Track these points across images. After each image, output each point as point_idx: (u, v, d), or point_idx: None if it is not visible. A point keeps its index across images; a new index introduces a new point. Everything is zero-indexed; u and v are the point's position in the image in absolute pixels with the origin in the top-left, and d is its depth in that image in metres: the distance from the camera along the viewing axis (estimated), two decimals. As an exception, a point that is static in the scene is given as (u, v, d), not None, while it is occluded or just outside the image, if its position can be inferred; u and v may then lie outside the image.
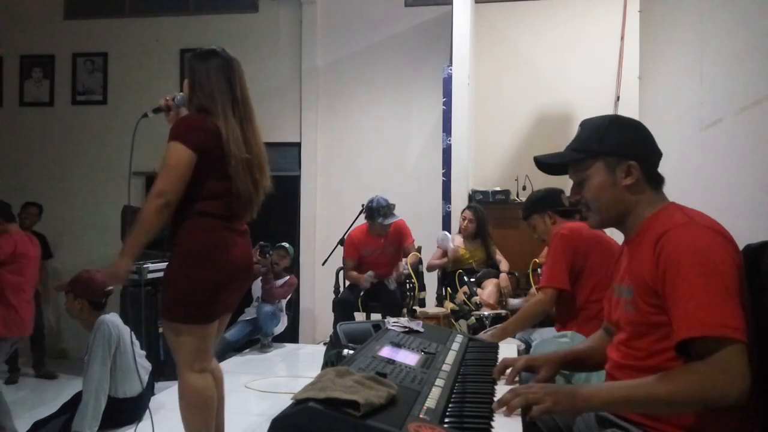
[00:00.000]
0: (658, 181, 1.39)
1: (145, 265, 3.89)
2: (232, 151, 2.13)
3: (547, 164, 1.48)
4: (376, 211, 4.34)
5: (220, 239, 2.15)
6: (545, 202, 2.76)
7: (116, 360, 2.90)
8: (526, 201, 2.90)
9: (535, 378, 1.55)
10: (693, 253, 1.19)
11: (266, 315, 4.61)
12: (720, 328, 1.12)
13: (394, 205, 4.42)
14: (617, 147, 1.36)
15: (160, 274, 3.59)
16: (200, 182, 2.12)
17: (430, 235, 4.83)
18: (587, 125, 1.44)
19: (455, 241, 4.38)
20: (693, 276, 1.17)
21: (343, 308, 4.36)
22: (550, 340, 2.24)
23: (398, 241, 4.51)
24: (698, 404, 1.14)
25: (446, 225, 4.92)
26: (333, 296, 4.64)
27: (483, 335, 2.19)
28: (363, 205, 4.52)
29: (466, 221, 4.43)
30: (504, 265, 4.34)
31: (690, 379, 1.13)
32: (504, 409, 1.15)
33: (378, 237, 4.50)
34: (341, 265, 4.70)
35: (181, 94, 2.38)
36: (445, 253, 4.47)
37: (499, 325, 2.45)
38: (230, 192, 2.15)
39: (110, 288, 2.01)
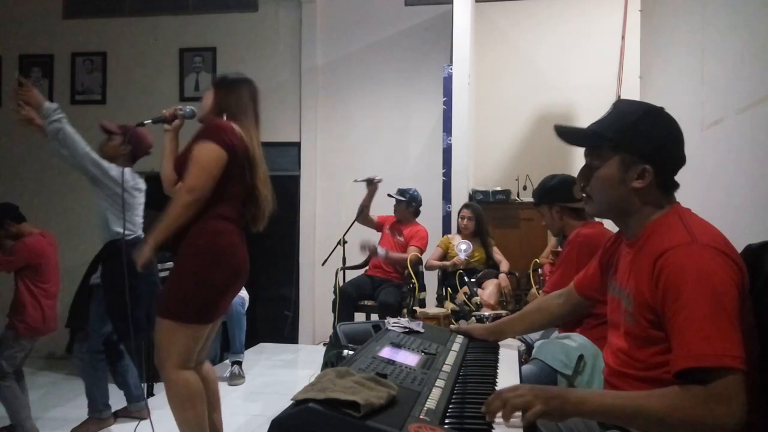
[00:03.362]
0: (670, 186, 1.33)
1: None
2: (260, 160, 2.29)
3: (565, 135, 1.42)
4: (401, 190, 4.60)
5: (233, 243, 2.23)
6: (555, 194, 2.61)
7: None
8: (539, 186, 2.73)
9: (464, 328, 1.72)
10: (693, 276, 1.16)
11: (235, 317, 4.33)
12: (719, 359, 1.09)
13: (413, 200, 4.60)
14: (640, 147, 1.29)
15: (164, 273, 3.61)
16: (222, 185, 2.20)
17: (431, 235, 4.83)
18: (620, 109, 1.36)
19: (461, 249, 4.33)
20: (692, 302, 1.14)
21: (342, 299, 4.37)
22: (552, 341, 2.23)
23: (409, 238, 4.58)
24: (691, 428, 1.11)
25: (446, 225, 4.92)
26: (333, 296, 4.63)
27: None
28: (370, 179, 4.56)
29: (465, 220, 4.42)
30: (504, 266, 4.33)
31: (687, 401, 1.10)
32: (499, 415, 1.12)
33: (397, 222, 4.64)
34: (341, 265, 4.70)
35: (191, 107, 2.44)
36: (444, 255, 4.48)
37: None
38: (241, 197, 2.26)
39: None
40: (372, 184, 4.47)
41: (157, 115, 2.46)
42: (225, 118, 2.31)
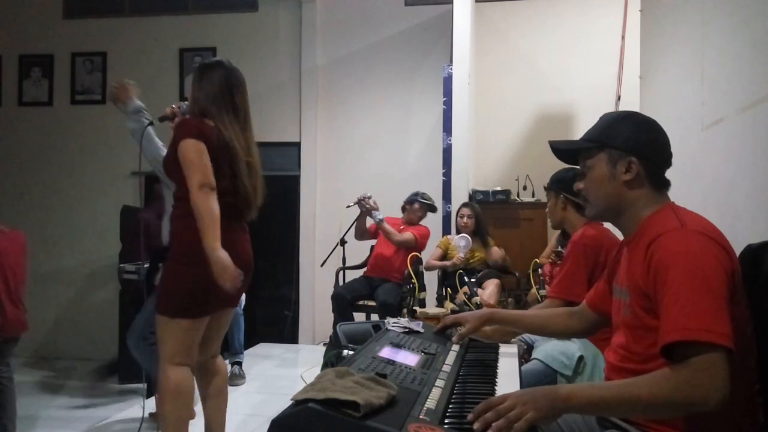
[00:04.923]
0: (661, 183, 1.38)
1: (145, 265, 3.89)
2: (237, 151, 2.25)
3: (560, 151, 1.51)
4: (419, 194, 4.54)
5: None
6: (565, 183, 2.52)
7: None
8: (556, 173, 2.67)
9: (459, 333, 1.67)
10: (681, 258, 1.18)
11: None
12: (702, 333, 1.10)
13: (432, 208, 4.63)
14: (623, 141, 1.36)
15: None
16: None
17: (431, 235, 4.83)
18: (605, 117, 1.45)
19: (461, 245, 4.32)
20: (680, 281, 1.16)
21: (337, 302, 4.37)
22: (552, 341, 2.22)
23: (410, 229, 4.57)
24: (678, 407, 1.12)
25: (446, 225, 4.92)
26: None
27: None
28: (360, 200, 4.50)
29: (464, 218, 4.42)
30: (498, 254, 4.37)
31: (671, 381, 1.11)
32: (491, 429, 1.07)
33: (405, 224, 4.59)
34: (341, 265, 4.69)
35: (187, 103, 2.47)
36: (444, 255, 4.48)
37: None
38: (227, 192, 2.24)
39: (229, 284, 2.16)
40: (363, 204, 4.43)
41: (162, 114, 2.57)
42: (198, 110, 2.29)
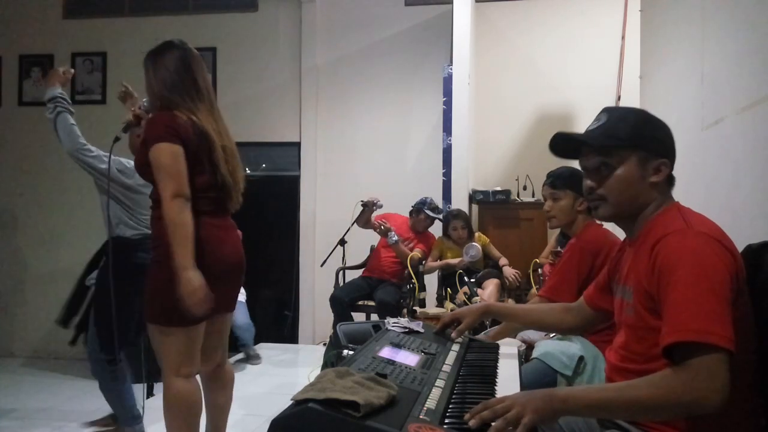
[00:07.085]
0: (672, 183, 1.39)
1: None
2: (213, 138, 2.08)
3: (561, 145, 1.44)
4: (426, 203, 4.55)
5: (202, 238, 2.06)
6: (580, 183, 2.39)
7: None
8: (567, 171, 2.49)
9: (457, 328, 1.67)
10: (686, 259, 1.18)
11: (242, 328, 4.58)
12: (704, 334, 1.09)
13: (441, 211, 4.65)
14: (653, 143, 1.35)
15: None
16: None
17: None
18: (615, 113, 1.38)
19: (470, 254, 4.31)
20: (683, 282, 1.16)
21: (334, 305, 4.36)
22: (553, 342, 2.22)
23: (417, 242, 4.59)
24: (677, 409, 1.12)
25: (446, 225, 4.91)
26: (333, 297, 4.63)
27: (483, 335, 2.18)
28: (363, 202, 4.50)
29: (458, 230, 4.41)
30: (503, 261, 4.36)
31: (670, 382, 1.10)
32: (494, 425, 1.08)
33: (410, 231, 4.60)
34: (341, 265, 4.69)
35: (146, 99, 2.27)
36: (440, 257, 4.49)
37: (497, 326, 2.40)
38: (209, 186, 2.10)
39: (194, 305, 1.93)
40: (370, 208, 4.41)
41: (124, 123, 2.35)
42: (160, 101, 2.11)
